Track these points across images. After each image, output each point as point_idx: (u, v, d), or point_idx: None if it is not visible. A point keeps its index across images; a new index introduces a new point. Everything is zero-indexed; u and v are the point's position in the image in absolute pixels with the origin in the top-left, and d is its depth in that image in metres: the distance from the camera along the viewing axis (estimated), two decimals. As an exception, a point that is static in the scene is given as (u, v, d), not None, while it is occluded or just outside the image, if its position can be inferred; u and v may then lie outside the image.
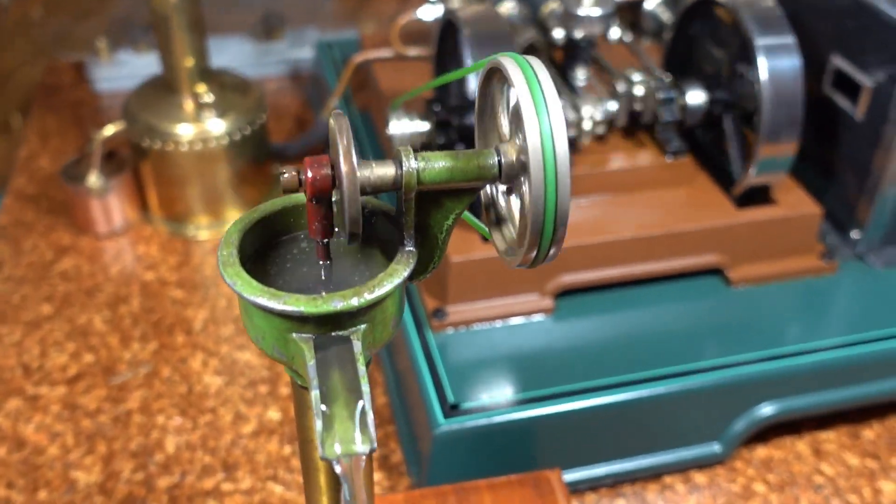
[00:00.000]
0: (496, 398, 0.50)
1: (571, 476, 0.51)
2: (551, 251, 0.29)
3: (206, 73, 0.70)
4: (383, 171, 0.29)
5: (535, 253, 0.29)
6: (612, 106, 0.59)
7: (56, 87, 0.92)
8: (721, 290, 0.58)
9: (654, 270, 0.57)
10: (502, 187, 0.32)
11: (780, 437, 0.55)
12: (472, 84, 0.54)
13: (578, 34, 0.60)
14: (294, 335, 0.29)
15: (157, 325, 0.63)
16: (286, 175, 0.29)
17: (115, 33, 0.99)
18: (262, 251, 0.32)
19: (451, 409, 0.49)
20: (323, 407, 0.27)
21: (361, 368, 0.28)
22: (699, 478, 0.53)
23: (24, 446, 0.55)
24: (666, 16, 0.74)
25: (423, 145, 0.57)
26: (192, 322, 0.63)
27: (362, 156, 0.70)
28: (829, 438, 0.56)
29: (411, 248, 0.30)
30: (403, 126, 0.56)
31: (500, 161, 0.30)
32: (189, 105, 0.69)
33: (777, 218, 0.58)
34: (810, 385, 0.53)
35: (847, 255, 0.61)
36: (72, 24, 1.04)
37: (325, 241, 0.30)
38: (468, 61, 0.53)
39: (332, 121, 0.28)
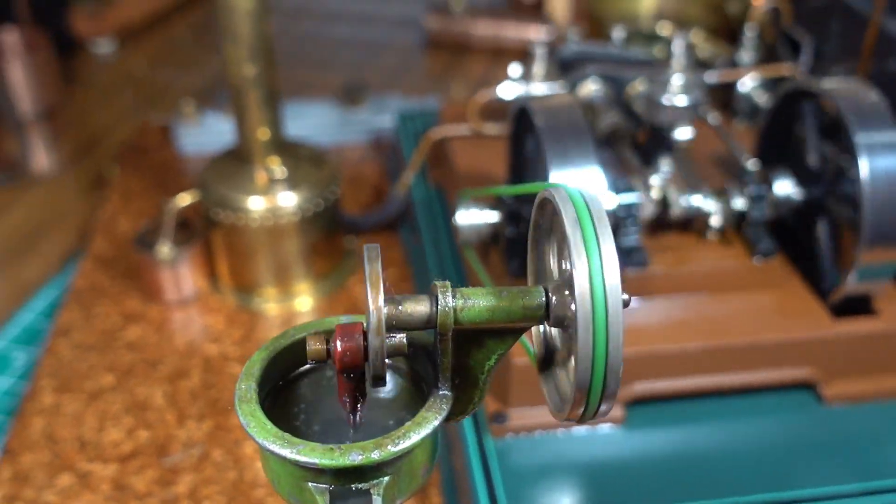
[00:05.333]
0: (555, 518, 0.46)
1: None
2: (602, 408, 0.26)
3: (281, 145, 0.69)
4: (416, 307, 0.26)
5: (582, 410, 0.26)
6: (697, 200, 0.56)
7: (144, 149, 0.93)
8: (812, 408, 0.53)
9: (738, 383, 0.53)
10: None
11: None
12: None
13: (663, 123, 0.57)
14: (310, 484, 0.26)
15: (215, 403, 0.62)
16: (313, 345, 0.27)
17: (203, 95, 1.01)
18: (292, 377, 0.30)
19: (505, 528, 0.46)
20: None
21: (380, 534, 0.25)
22: None
23: (70, 527, 0.54)
24: (762, 99, 0.70)
25: (493, 236, 0.54)
26: (249, 402, 0.62)
27: (434, 235, 0.68)
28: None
29: (446, 393, 0.27)
30: (471, 216, 0.53)
31: (547, 301, 0.27)
32: (261, 178, 0.68)
33: (878, 332, 0.52)
34: (911, 524, 0.48)
35: (958, 373, 0.55)
36: (175, 81, 1.07)
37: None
38: (543, 151, 0.50)
39: (364, 252, 0.26)
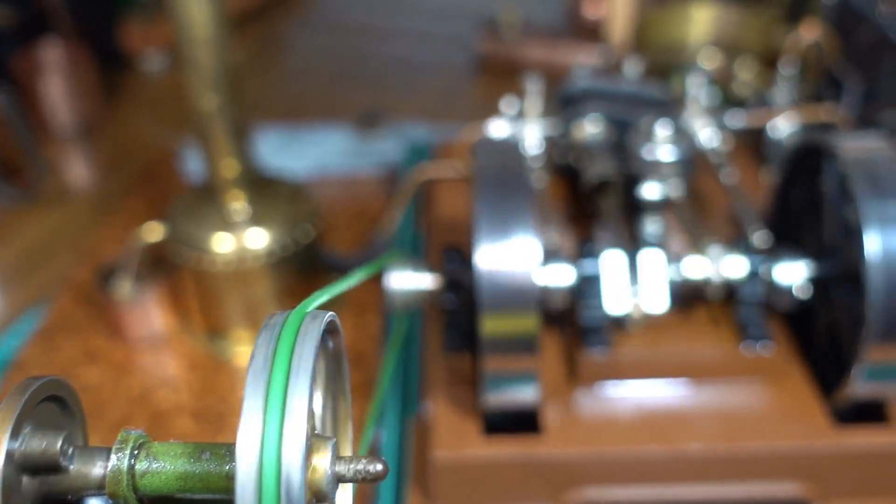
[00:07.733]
0: None
1: None
2: None
3: (253, 180, 0.64)
4: (87, 467, 0.20)
5: None
6: (674, 273, 0.47)
7: (157, 175, 0.90)
8: (801, 533, 0.44)
9: (713, 497, 0.44)
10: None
11: None
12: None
13: (647, 180, 0.48)
14: None
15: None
16: None
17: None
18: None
19: None
20: None
21: None
22: None
23: None
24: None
25: (432, 305, 0.47)
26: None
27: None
28: None
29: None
30: (405, 279, 0.47)
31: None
32: (227, 216, 0.63)
33: (885, 445, 0.43)
34: None
35: None
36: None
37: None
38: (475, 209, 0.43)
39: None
